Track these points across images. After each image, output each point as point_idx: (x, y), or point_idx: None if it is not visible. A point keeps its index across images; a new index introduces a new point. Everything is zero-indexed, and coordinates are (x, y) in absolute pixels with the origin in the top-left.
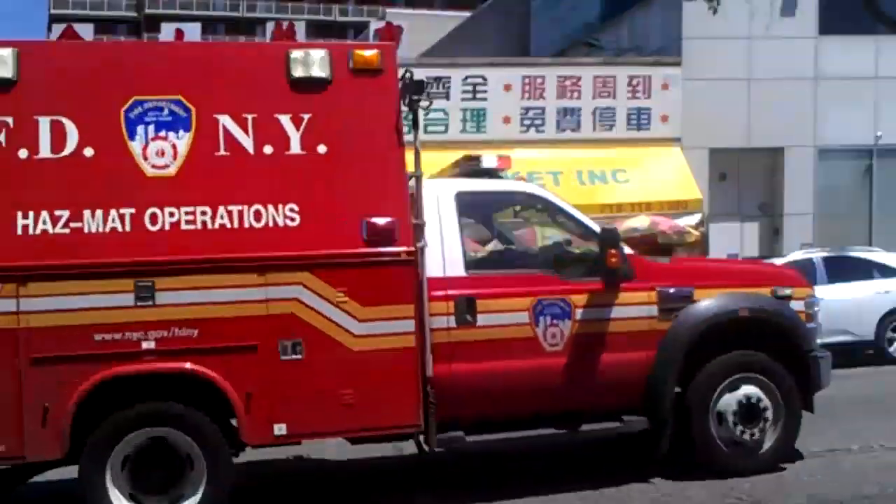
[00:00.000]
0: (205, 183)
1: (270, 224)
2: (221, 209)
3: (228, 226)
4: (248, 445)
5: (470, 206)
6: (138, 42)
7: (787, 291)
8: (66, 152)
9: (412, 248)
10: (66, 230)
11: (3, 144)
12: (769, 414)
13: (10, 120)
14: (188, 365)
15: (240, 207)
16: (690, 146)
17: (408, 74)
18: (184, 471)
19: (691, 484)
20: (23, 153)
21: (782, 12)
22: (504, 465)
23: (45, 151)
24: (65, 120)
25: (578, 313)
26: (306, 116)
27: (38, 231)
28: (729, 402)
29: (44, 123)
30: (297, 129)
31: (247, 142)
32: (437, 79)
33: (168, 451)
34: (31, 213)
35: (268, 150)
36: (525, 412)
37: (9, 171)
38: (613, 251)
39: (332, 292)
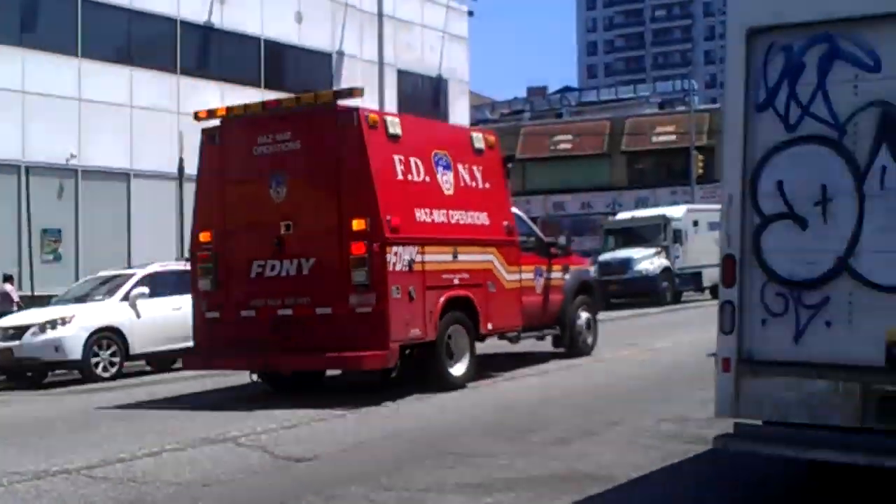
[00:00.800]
0: (461, 200)
1: (481, 223)
2: (469, 213)
3: (472, 223)
4: (481, 335)
5: None
6: (429, 119)
7: (590, 268)
8: (421, 178)
9: (518, 238)
10: (430, 220)
11: (403, 172)
12: (592, 327)
13: (402, 157)
14: (466, 292)
15: (473, 213)
16: None
17: (507, 153)
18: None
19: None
20: (410, 177)
21: None
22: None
23: (415, 177)
24: (418, 160)
25: (545, 274)
26: (481, 168)
27: (421, 220)
28: (581, 321)
29: (413, 161)
30: (479, 174)
31: (468, 179)
32: None
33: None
34: (419, 210)
35: (473, 184)
36: (530, 325)
37: (406, 188)
38: (573, 239)
39: (500, 259)
